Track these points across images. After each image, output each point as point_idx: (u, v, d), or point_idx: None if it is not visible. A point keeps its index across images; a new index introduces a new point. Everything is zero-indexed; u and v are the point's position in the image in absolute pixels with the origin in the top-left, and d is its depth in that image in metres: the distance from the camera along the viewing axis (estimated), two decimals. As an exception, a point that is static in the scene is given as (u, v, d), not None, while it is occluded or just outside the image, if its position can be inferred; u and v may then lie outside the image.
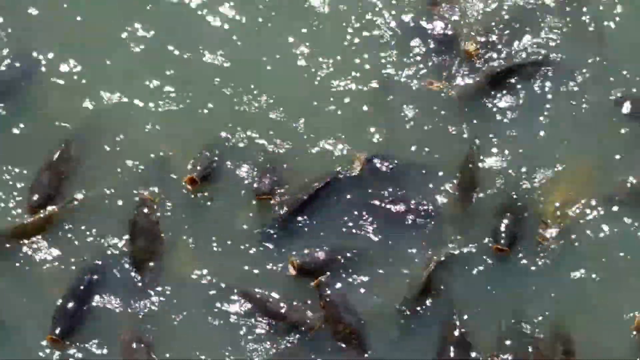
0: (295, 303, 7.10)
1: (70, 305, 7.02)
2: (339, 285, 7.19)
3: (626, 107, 7.72)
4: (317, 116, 7.83)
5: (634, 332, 6.93)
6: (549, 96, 7.86)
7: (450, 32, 8.06)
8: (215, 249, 7.33)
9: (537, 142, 7.69)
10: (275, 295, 7.13)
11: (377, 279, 7.21)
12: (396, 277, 7.20)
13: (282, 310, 7.06)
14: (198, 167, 7.51)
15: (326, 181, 7.50)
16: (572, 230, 7.29)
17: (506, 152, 7.62)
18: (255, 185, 7.50)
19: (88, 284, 7.11)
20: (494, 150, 7.63)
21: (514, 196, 7.45)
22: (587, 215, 7.36)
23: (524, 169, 7.57)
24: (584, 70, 7.93)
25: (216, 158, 7.64)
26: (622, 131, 7.71)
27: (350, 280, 7.21)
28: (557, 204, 7.38)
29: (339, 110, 7.86)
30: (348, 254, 7.28)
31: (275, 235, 7.35)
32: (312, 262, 7.23)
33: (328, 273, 7.16)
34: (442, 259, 7.19)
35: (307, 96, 7.93)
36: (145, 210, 7.34)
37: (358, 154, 7.65)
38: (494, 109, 7.77)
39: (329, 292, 7.11)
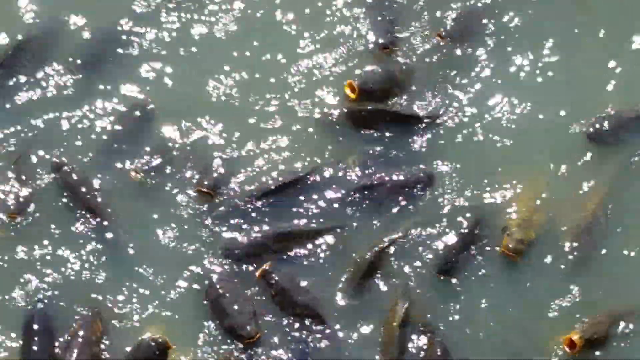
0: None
1: None
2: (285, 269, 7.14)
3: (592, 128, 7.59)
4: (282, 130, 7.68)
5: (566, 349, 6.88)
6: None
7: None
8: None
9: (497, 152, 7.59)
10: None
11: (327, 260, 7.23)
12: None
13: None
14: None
15: (294, 178, 7.41)
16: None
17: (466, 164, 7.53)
18: (199, 177, 7.40)
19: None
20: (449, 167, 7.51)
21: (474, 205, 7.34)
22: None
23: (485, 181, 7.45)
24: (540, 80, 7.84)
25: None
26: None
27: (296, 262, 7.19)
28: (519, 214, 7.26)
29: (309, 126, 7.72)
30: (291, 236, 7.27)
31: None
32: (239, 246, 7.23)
33: (269, 262, 7.09)
34: (386, 243, 7.17)
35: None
36: None
37: (350, 158, 7.55)
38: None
39: (276, 278, 7.04)
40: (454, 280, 7.09)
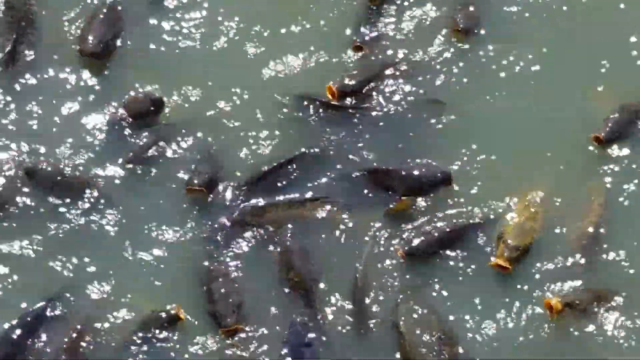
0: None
1: None
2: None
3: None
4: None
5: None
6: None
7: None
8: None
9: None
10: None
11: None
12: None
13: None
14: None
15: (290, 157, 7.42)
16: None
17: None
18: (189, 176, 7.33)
19: None
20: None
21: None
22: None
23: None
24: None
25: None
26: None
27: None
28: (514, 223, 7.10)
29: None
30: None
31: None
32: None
33: (290, 225, 7.14)
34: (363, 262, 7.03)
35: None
36: None
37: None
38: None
39: (289, 239, 7.13)
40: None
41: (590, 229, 7.09)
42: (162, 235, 7.15)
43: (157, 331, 6.81)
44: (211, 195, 7.27)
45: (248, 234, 7.15)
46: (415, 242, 7.01)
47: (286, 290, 6.94)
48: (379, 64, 7.81)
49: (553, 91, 7.73)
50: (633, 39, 7.94)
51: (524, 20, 8.05)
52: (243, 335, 6.77)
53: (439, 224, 7.10)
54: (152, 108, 7.56)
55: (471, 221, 7.13)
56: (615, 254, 7.04)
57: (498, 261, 6.86)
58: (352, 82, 7.68)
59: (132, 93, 7.66)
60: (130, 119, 7.55)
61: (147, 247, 7.10)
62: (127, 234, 7.16)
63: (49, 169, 7.30)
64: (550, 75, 7.81)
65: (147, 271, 7.04)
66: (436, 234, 7.04)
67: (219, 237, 7.14)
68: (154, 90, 7.69)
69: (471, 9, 8.04)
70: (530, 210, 7.14)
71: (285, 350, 6.70)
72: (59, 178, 7.29)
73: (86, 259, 7.04)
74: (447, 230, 7.06)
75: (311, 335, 6.77)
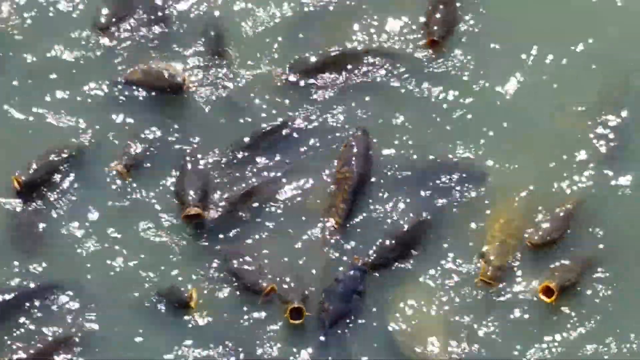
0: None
1: None
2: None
3: None
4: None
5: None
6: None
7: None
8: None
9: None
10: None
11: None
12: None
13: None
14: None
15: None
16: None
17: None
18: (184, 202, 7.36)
19: None
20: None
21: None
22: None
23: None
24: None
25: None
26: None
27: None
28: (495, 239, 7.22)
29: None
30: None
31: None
32: None
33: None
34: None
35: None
36: None
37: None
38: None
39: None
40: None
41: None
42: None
43: (164, 306, 7.06)
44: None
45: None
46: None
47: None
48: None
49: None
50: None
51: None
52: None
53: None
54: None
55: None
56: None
57: (483, 278, 7.02)
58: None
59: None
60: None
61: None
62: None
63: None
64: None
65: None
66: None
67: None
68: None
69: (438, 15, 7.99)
70: (512, 227, 7.24)
71: (339, 288, 7.00)
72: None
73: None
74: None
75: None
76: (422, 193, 7.42)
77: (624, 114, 7.67)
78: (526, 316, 7.03)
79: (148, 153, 7.57)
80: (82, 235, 7.30)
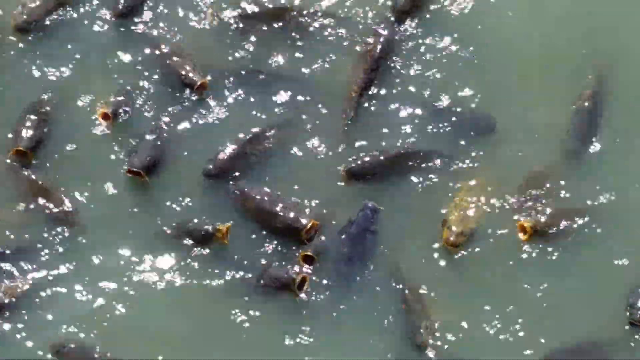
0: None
1: None
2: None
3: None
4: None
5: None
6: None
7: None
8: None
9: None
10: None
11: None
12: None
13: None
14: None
15: None
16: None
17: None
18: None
19: None
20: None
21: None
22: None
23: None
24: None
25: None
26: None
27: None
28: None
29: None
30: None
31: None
32: None
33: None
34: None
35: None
36: None
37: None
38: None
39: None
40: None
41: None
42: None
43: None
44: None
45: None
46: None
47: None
48: None
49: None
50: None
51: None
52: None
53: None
54: None
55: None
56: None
57: (445, 242, 7.13)
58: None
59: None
60: None
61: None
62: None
63: None
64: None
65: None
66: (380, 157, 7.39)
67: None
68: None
69: None
70: (475, 197, 7.35)
71: (351, 228, 7.09)
72: None
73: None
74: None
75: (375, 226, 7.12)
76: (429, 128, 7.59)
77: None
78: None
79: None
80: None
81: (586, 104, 7.66)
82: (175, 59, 7.64)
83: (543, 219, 7.22)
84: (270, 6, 7.93)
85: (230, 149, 7.38)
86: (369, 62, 7.68)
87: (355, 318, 6.96)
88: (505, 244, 7.20)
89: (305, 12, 7.90)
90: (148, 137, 7.39)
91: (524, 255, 7.15)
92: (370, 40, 7.77)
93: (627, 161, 7.52)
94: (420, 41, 7.89)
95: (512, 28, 7.97)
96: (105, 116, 7.44)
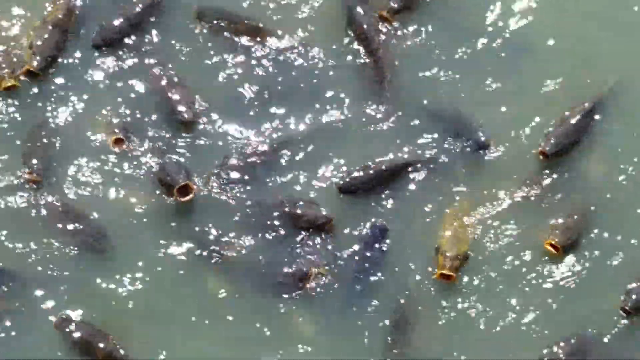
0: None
1: None
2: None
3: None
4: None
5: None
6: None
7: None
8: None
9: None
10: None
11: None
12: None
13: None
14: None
15: None
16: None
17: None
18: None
19: None
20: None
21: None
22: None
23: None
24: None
25: None
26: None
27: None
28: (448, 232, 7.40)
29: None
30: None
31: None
32: None
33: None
34: None
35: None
36: None
37: None
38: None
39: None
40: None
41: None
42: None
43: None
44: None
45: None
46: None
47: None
48: None
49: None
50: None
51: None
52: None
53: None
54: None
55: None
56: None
57: (442, 271, 7.15)
58: None
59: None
60: None
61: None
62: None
63: None
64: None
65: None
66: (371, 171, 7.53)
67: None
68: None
69: None
70: (461, 220, 7.43)
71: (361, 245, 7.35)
72: None
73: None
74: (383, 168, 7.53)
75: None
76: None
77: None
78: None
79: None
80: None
81: (574, 117, 7.69)
82: (170, 91, 7.77)
83: (562, 233, 7.33)
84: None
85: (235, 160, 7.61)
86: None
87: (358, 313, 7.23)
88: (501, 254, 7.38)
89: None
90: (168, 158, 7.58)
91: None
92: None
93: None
94: (410, 42, 8.03)
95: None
96: (117, 141, 7.63)
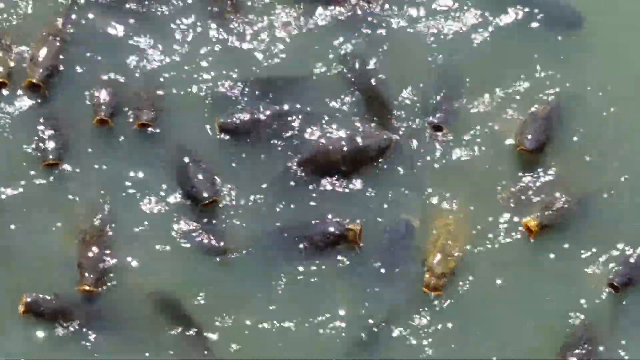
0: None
1: None
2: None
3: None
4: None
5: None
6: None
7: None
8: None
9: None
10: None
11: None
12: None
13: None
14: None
15: None
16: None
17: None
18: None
19: None
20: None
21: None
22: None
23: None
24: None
25: None
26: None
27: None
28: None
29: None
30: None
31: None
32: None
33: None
34: None
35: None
36: None
37: None
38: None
39: None
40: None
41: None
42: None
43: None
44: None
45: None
46: None
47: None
48: None
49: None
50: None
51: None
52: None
53: None
54: None
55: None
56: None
57: (426, 289, 7.31)
58: None
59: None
60: None
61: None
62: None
63: None
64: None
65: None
66: None
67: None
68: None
69: None
70: (449, 229, 7.51)
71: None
72: None
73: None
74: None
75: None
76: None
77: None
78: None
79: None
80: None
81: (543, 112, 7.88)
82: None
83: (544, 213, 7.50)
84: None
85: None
86: None
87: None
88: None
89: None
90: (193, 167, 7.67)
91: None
92: None
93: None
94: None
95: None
96: (101, 122, 7.73)
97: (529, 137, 7.73)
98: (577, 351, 7.15)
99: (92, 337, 7.17)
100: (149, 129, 7.73)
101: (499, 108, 7.98)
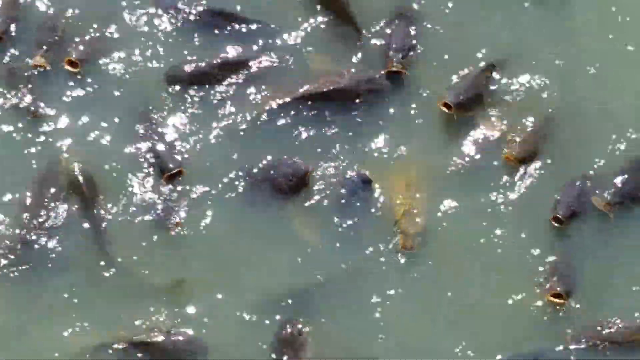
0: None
1: None
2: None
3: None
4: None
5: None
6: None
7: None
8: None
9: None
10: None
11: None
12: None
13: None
14: None
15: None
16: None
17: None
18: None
19: None
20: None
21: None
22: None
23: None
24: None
25: None
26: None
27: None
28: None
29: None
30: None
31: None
32: None
33: None
34: None
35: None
36: None
37: None
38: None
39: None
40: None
41: None
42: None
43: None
44: None
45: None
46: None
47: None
48: None
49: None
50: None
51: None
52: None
53: None
54: None
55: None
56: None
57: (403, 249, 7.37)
58: None
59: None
60: None
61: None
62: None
63: None
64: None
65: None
66: None
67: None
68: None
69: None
70: (412, 192, 7.54)
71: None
72: None
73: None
74: None
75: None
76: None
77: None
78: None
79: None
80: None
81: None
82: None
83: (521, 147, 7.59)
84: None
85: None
86: None
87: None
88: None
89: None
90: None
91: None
92: None
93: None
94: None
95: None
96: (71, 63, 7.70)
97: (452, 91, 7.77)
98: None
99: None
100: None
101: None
